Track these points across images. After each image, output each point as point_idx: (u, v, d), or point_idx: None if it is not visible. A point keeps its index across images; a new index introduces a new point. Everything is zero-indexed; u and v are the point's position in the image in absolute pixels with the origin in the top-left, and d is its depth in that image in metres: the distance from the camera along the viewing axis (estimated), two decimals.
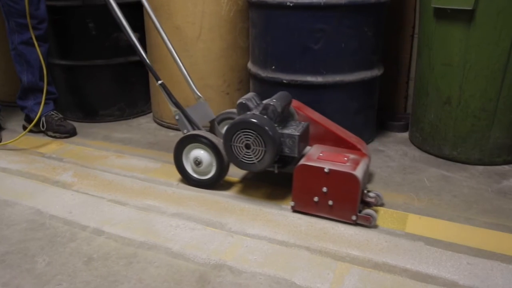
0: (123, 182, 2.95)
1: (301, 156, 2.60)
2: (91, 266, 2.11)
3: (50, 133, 3.75)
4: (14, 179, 3.00)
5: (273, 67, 3.22)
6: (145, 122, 4.15)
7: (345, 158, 2.47)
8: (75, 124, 3.91)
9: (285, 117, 2.68)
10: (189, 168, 2.86)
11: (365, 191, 2.52)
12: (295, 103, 2.82)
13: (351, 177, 2.34)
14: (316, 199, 2.45)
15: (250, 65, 3.50)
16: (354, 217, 2.39)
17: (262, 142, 2.47)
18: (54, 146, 3.58)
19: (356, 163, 2.44)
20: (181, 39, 3.57)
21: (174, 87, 3.59)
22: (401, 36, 3.83)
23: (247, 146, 2.52)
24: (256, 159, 2.52)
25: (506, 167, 3.08)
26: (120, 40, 3.92)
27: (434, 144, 3.23)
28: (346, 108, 3.23)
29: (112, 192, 2.83)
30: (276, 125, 2.53)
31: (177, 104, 2.85)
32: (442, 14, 2.96)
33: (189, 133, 2.79)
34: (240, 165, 2.59)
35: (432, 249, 2.21)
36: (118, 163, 3.22)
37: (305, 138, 2.66)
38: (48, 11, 3.57)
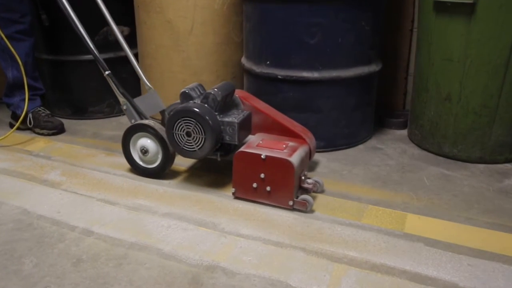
0: (113, 181, 2.94)
1: (242, 144, 2.73)
2: (80, 268, 2.11)
3: (37, 129, 3.74)
4: (1, 178, 2.99)
5: (268, 62, 3.22)
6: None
7: (284, 146, 2.64)
8: (64, 121, 3.90)
9: (227, 106, 2.82)
10: (136, 156, 3.00)
11: (303, 177, 2.62)
12: (241, 93, 2.98)
13: (286, 163, 2.49)
14: (255, 185, 2.60)
15: (244, 60, 3.50)
16: (291, 203, 2.54)
17: (202, 130, 2.61)
18: (41, 143, 3.57)
19: (293, 150, 2.60)
20: (172, 33, 3.56)
21: (166, 83, 3.60)
22: (400, 30, 3.83)
23: (188, 134, 2.66)
24: (197, 146, 2.66)
25: (508, 165, 3.08)
26: (110, 34, 3.91)
27: (433, 141, 3.23)
28: (343, 104, 3.23)
29: (101, 191, 2.82)
30: (216, 113, 2.67)
31: (124, 94, 3.00)
32: (442, 8, 2.96)
33: (135, 123, 2.93)
34: (182, 153, 2.73)
35: (432, 250, 2.21)
36: (108, 161, 3.21)
37: (246, 126, 2.79)
38: (34, 5, 3.56)
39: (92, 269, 2.10)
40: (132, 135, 2.94)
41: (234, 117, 2.68)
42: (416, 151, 3.33)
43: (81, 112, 4.14)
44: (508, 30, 2.78)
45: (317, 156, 3.23)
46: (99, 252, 2.22)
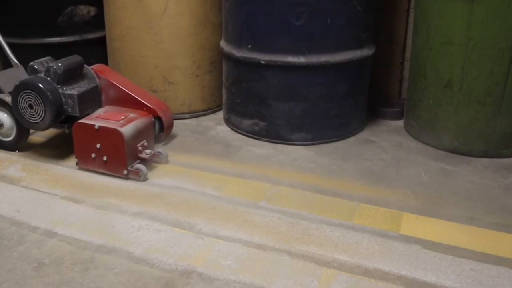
0: (78, 177, 2.92)
1: (86, 115, 3.03)
2: (42, 273, 2.09)
3: None
4: None
5: (249, 45, 3.20)
6: None
7: (122, 117, 2.95)
8: None
9: (75, 79, 3.09)
10: None
11: (140, 148, 2.93)
12: (99, 67, 3.28)
13: (116, 132, 2.82)
14: (93, 155, 2.92)
15: (223, 44, 3.48)
16: (125, 172, 2.87)
17: (41, 102, 2.90)
18: None
19: (129, 121, 2.92)
20: (144, 13, 3.53)
21: (138, 68, 3.59)
22: (395, 10, 3.82)
23: (30, 106, 2.95)
24: (39, 118, 2.95)
25: None
26: (75, 15, 3.88)
27: (432, 133, 3.23)
28: (332, 92, 3.22)
29: (65, 188, 2.80)
30: (59, 86, 2.96)
31: None
32: None
33: None
34: (27, 124, 3.03)
35: (431, 253, 2.20)
36: (73, 154, 3.16)
37: (90, 99, 3.11)
38: None
39: (55, 274, 2.09)
40: None
41: (75, 90, 2.99)
42: (413, 144, 3.33)
43: None
44: None
45: (304, 150, 3.22)
46: (63, 256, 2.21)
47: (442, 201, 2.63)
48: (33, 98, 2.90)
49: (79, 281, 2.04)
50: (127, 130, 2.84)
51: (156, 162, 3.06)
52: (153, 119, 3.12)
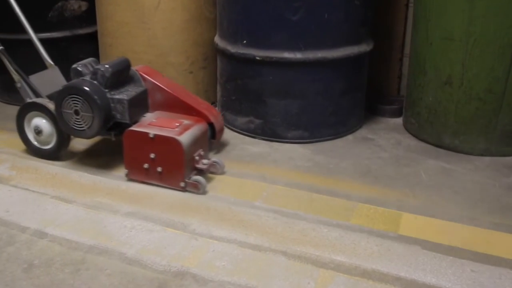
0: (70, 176, 2.92)
1: (136, 122, 2.86)
2: (32, 274, 2.09)
3: None
4: None
5: (244, 41, 3.20)
6: None
7: (177, 124, 2.77)
8: (12, 108, 3.84)
9: (122, 83, 2.92)
10: (31, 137, 3.10)
11: (197, 158, 2.77)
12: (144, 69, 3.10)
13: (174, 142, 2.64)
14: (146, 166, 2.75)
15: (217, 39, 3.47)
16: (182, 184, 2.70)
17: (90, 108, 2.73)
18: None
19: (185, 129, 2.75)
20: (137, 9, 3.53)
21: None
22: (394, 5, 3.82)
23: (76, 112, 2.78)
24: (86, 125, 2.78)
25: None
26: (65, 10, 3.87)
27: (432, 131, 3.24)
28: (329, 89, 3.22)
29: (56, 187, 2.79)
30: (107, 90, 2.79)
31: (18, 71, 3.08)
32: None
33: (28, 101, 3.03)
34: (71, 132, 2.88)
35: (430, 254, 2.20)
36: (64, 153, 3.16)
37: (140, 104, 2.93)
38: None
39: (46, 275, 2.08)
40: (25, 115, 3.04)
41: (125, 94, 2.80)
42: (413, 142, 3.33)
43: None
44: None
45: (300, 148, 3.22)
46: (54, 257, 2.20)
47: (442, 201, 2.63)
48: (80, 103, 2.73)
49: (70, 283, 2.04)
50: (185, 138, 2.67)
51: (212, 172, 2.90)
52: (207, 125, 2.97)
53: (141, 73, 3.02)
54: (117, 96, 2.77)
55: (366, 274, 2.08)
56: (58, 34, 3.93)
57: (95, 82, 2.76)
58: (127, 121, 2.81)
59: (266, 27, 3.11)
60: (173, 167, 2.69)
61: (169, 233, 2.37)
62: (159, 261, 2.17)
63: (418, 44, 3.23)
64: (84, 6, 3.98)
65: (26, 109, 3.02)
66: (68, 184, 2.83)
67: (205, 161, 2.80)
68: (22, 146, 3.28)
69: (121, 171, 2.90)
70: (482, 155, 3.10)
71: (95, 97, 2.70)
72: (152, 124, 2.78)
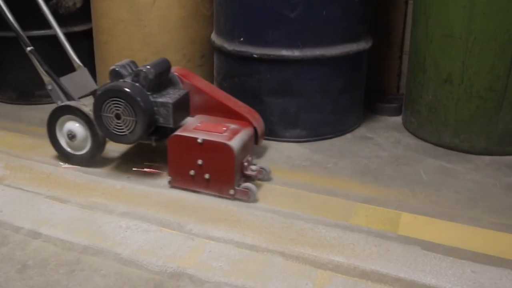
0: (64, 175, 2.91)
1: (179, 127, 2.76)
2: (25, 275, 2.08)
3: None
4: None
5: (242, 39, 3.19)
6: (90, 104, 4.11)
7: (224, 128, 2.68)
8: (7, 106, 3.88)
9: (163, 85, 2.83)
10: (63, 142, 3.00)
11: (246, 164, 2.68)
12: (181, 70, 3.02)
13: (224, 147, 2.55)
14: (192, 172, 2.65)
15: (214, 37, 3.47)
16: (232, 192, 2.61)
17: (133, 112, 2.64)
18: None
19: (234, 133, 2.66)
20: (132, 5, 3.52)
21: None
22: (393, 2, 3.82)
23: (118, 116, 2.69)
24: (128, 130, 2.69)
25: None
26: (60, 7, 3.86)
27: (432, 130, 3.23)
28: (328, 87, 3.22)
29: (50, 187, 2.78)
30: (149, 93, 2.70)
31: (49, 73, 3.00)
32: None
33: (61, 104, 2.94)
34: (111, 137, 2.77)
35: (430, 254, 2.20)
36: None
37: (183, 107, 2.83)
38: None
39: (40, 276, 2.08)
40: (58, 119, 2.95)
41: (168, 97, 2.72)
42: (412, 140, 3.33)
43: (27, 96, 4.08)
44: None
45: (298, 147, 3.22)
46: (48, 257, 2.19)
47: (442, 201, 2.62)
48: (122, 107, 2.65)
49: (64, 284, 2.03)
50: (235, 144, 2.57)
51: (260, 179, 2.81)
52: (254, 130, 2.87)
53: (179, 74, 2.95)
54: (160, 99, 2.69)
55: (365, 275, 2.08)
56: (53, 32, 3.92)
57: (137, 84, 2.68)
58: (171, 126, 2.72)
59: (263, 24, 3.10)
60: (223, 174, 2.61)
61: (165, 233, 2.37)
62: (155, 261, 2.16)
63: (418, 42, 3.23)
64: (79, 3, 3.97)
65: (59, 113, 2.93)
66: (62, 183, 2.82)
67: (253, 167, 2.72)
68: (15, 144, 3.30)
69: (117, 170, 2.92)
70: (482, 154, 3.10)
71: (139, 99, 2.62)
72: (198, 128, 2.69)
